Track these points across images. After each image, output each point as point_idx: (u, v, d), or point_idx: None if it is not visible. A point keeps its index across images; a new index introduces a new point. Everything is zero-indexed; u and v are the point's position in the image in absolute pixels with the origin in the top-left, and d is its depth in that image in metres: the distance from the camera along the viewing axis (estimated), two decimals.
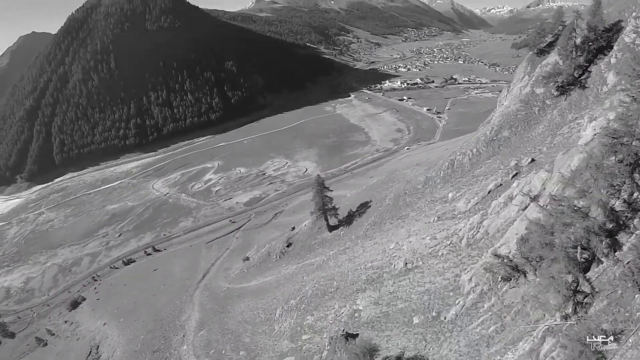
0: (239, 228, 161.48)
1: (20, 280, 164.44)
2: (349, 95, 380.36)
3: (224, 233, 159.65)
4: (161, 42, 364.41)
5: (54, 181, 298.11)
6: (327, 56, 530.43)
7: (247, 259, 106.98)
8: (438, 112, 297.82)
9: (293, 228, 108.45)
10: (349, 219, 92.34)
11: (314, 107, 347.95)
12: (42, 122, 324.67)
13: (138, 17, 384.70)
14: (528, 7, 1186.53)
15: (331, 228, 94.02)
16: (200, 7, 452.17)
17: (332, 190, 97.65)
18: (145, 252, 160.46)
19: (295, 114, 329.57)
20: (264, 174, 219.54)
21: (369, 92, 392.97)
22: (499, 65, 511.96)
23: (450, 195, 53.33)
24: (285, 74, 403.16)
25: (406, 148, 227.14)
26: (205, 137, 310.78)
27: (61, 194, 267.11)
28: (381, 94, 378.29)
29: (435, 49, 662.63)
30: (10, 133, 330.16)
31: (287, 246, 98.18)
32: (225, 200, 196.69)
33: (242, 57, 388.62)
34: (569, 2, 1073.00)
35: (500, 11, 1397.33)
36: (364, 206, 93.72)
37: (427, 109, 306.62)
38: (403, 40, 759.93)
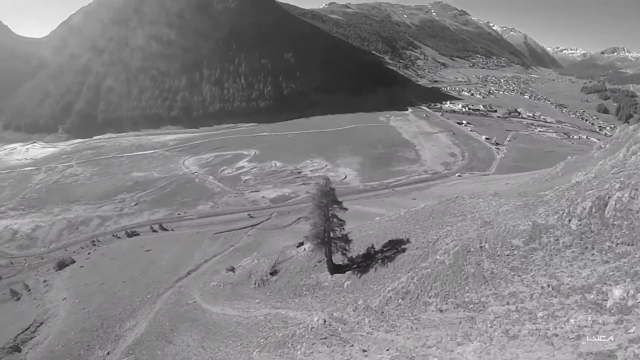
0: (255, 225, 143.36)
1: (29, 227, 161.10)
2: (406, 110, 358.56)
3: (237, 227, 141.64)
4: (224, 22, 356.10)
5: (92, 138, 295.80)
6: (391, 67, 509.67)
7: (232, 269, 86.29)
8: (497, 143, 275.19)
9: (301, 243, 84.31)
10: (365, 262, 59.08)
11: (368, 114, 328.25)
12: (95, 79, 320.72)
13: None
14: (602, 53, 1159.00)
15: (335, 268, 62.40)
16: None
17: (345, 209, 61.34)
18: (152, 228, 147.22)
19: (346, 118, 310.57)
20: (299, 173, 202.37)
21: (427, 109, 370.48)
22: (566, 107, 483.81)
23: (615, 291, 19.59)
24: (344, 76, 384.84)
25: (457, 175, 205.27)
26: (250, 124, 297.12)
27: (94, 152, 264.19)
28: (440, 114, 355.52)
29: (502, 80, 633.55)
30: (63, 84, 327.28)
31: (272, 274, 73.49)
32: (252, 192, 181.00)
33: (303, 51, 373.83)
34: None
35: (573, 53, 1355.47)
36: (395, 246, 58.20)
37: (486, 138, 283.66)
38: (470, 66, 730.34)
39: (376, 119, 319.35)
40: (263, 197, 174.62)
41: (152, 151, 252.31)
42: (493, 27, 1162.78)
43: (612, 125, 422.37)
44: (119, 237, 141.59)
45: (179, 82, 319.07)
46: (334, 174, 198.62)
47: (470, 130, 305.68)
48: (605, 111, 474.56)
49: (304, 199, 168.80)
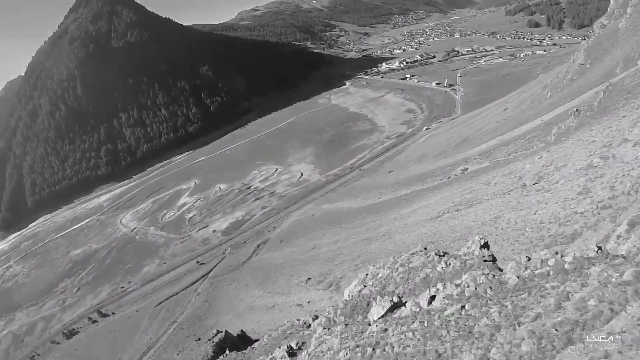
0: (207, 275, 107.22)
1: None
2: (344, 84, 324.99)
3: (184, 285, 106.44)
4: (129, 58, 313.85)
5: (28, 227, 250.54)
6: (315, 50, 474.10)
7: None
8: (450, 85, 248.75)
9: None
10: None
11: (306, 102, 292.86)
12: (14, 164, 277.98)
13: (104, 37, 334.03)
14: None
15: None
16: (172, 18, 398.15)
17: None
18: (89, 318, 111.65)
19: (285, 113, 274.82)
20: (248, 188, 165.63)
21: (366, 77, 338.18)
22: (498, 33, 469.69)
23: None
24: (271, 74, 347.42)
25: (425, 128, 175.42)
26: (183, 154, 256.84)
27: (31, 242, 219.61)
28: (380, 76, 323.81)
29: (427, 30, 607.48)
30: None
31: None
32: (200, 229, 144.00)
33: (219, 60, 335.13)
34: None
35: None
36: None
37: (437, 83, 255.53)
38: (392, 27, 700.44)
39: (316, 103, 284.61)
40: (214, 231, 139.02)
41: (88, 220, 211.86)
42: None
43: (550, 35, 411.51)
44: (57, 343, 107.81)
45: (98, 136, 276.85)
46: (288, 176, 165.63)
47: (418, 82, 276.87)
48: (537, 25, 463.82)
49: (261, 218, 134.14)
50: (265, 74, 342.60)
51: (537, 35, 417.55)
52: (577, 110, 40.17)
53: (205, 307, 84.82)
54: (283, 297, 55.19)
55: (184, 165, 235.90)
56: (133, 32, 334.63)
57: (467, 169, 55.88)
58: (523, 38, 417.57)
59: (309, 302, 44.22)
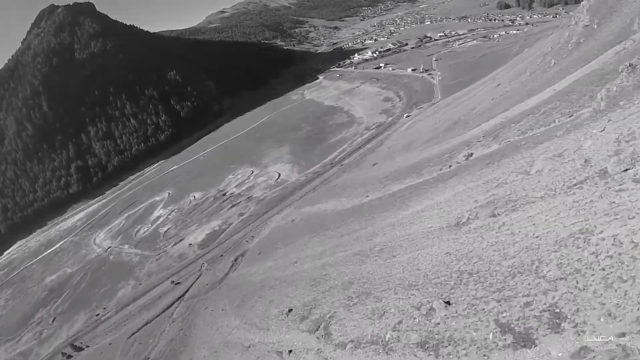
0: (182, 296, 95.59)
1: None
2: (317, 78, 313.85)
3: (158, 311, 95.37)
4: (94, 69, 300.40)
5: (3, 255, 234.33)
6: (285, 47, 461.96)
7: None
8: (426, 70, 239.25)
9: None
10: None
11: (279, 99, 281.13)
12: None
13: (67, 49, 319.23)
14: None
15: None
16: (136, 25, 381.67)
17: None
18: (63, 353, 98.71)
19: (258, 112, 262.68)
20: (224, 195, 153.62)
21: (339, 69, 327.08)
22: (469, 17, 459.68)
23: None
24: (241, 74, 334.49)
25: (405, 115, 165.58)
26: (156, 164, 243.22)
27: (6, 271, 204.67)
28: (353, 67, 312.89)
29: (397, 19, 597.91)
30: None
31: None
32: (175, 244, 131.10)
33: (187, 65, 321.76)
34: None
35: None
36: None
37: (412, 69, 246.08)
38: (361, 20, 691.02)
39: (289, 100, 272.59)
40: (190, 245, 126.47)
41: (61, 242, 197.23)
42: None
43: (521, 15, 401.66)
44: None
45: (67, 153, 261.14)
46: (265, 178, 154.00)
47: (392, 70, 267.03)
48: (506, 6, 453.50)
49: (238, 226, 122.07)
50: (236, 75, 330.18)
51: (508, 16, 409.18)
52: (630, 66, 29.03)
53: (180, 338, 73.61)
54: (261, 333, 43.67)
55: (157, 175, 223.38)
56: (96, 43, 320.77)
57: (472, 154, 45.14)
58: (494, 20, 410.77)
59: (290, 351, 32.38)
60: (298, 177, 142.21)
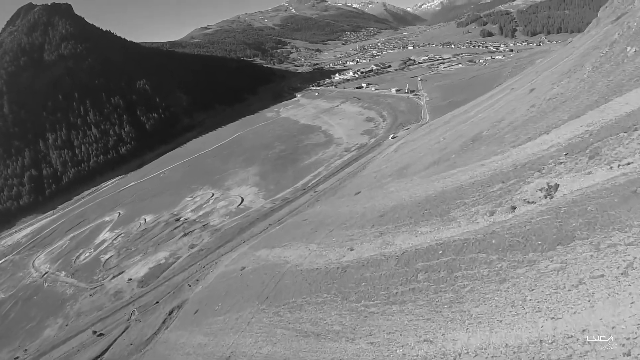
0: (101, 356, 72.29)
1: None
2: (295, 96, 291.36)
3: None
4: (61, 72, 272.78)
5: None
6: (265, 65, 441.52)
7: None
8: (412, 91, 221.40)
9: None
10: None
11: (253, 116, 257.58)
12: None
13: (37, 49, 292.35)
14: None
15: None
16: (114, 32, 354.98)
17: None
18: None
19: (230, 129, 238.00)
20: (177, 220, 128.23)
21: (318, 88, 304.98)
22: (452, 43, 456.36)
23: None
24: (217, 88, 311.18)
25: (391, 136, 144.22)
26: (114, 179, 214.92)
27: None
28: (333, 87, 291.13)
29: (379, 44, 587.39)
30: None
31: None
32: (114, 277, 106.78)
33: (159, 74, 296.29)
34: None
35: (431, 4, 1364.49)
36: None
37: (397, 90, 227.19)
38: (343, 44, 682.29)
39: (264, 117, 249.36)
40: (129, 280, 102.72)
41: (2, 261, 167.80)
42: (353, 5, 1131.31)
43: (505, 43, 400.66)
44: None
45: (23, 160, 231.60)
46: (225, 203, 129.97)
47: (375, 90, 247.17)
48: (489, 34, 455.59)
49: (186, 262, 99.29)
50: (211, 89, 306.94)
51: (491, 43, 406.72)
52: None
53: None
54: None
55: (112, 192, 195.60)
56: (67, 44, 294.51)
57: (557, 186, 20.92)
58: (479, 46, 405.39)
59: None
60: (263, 204, 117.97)
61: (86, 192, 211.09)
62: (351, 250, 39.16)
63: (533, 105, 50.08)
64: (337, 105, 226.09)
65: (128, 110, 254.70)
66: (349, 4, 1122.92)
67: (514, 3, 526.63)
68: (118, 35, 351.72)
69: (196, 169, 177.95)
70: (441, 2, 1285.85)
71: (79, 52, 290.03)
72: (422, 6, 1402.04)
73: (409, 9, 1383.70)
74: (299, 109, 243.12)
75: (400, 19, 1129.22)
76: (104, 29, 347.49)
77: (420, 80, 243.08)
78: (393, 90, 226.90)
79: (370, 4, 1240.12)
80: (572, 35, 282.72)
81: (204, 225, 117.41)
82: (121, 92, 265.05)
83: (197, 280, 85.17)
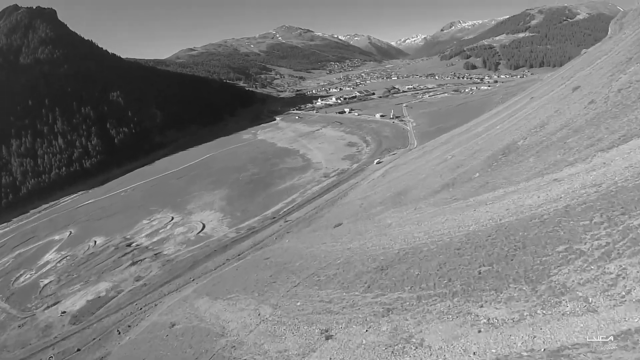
0: None
1: None
2: (274, 119, 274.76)
3: None
4: (35, 76, 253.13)
5: None
6: (248, 88, 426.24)
7: None
8: (397, 116, 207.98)
9: None
10: None
11: (229, 137, 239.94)
12: None
13: (14, 52, 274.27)
14: (442, 30, 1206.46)
15: None
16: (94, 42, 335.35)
17: None
18: None
19: (203, 149, 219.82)
20: (129, 245, 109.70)
21: (298, 112, 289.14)
22: (436, 75, 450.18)
23: None
24: (194, 107, 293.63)
25: (375, 161, 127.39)
26: (75, 194, 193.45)
27: None
28: (315, 111, 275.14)
29: (363, 74, 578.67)
30: None
31: None
32: (49, 307, 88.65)
33: (135, 87, 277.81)
34: (478, 20, 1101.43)
35: (415, 40, 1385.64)
36: None
37: (381, 115, 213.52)
38: (327, 73, 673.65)
39: (239, 138, 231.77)
40: (62, 313, 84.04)
41: None
42: (339, 37, 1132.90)
43: (488, 75, 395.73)
44: None
45: None
46: (184, 229, 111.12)
47: (358, 115, 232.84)
48: (473, 67, 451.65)
49: (124, 300, 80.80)
50: (187, 108, 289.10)
51: (475, 76, 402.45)
52: None
53: None
54: None
55: (69, 208, 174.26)
56: (45, 49, 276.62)
57: None
58: (463, 77, 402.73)
59: None
60: (226, 233, 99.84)
61: (44, 206, 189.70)
62: (327, 337, 21.17)
63: (592, 101, 34.18)
64: (317, 130, 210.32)
65: (98, 122, 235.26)
66: (335, 36, 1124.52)
67: (497, 38, 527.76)
68: (100, 46, 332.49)
69: (160, 189, 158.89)
70: (424, 38, 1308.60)
71: (56, 57, 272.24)
72: (406, 41, 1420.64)
73: (393, 43, 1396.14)
74: (277, 132, 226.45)
75: (384, 53, 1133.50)
76: (86, 38, 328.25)
77: (406, 106, 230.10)
78: (377, 115, 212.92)
79: (355, 37, 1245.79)
80: (554, 69, 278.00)
81: (155, 254, 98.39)
82: (93, 103, 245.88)
83: (129, 326, 66.72)
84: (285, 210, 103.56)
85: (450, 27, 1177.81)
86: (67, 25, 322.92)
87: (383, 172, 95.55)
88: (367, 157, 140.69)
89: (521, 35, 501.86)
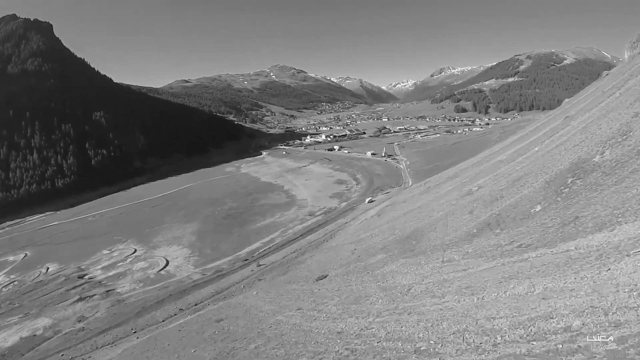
0: None
1: None
2: (260, 154, 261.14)
3: None
4: (22, 87, 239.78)
5: None
6: (238, 122, 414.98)
7: None
8: (389, 155, 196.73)
9: None
10: None
11: (212, 169, 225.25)
12: None
13: (4, 60, 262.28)
14: (432, 75, 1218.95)
15: None
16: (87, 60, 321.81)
17: None
18: None
19: (182, 179, 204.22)
20: (82, 276, 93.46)
21: (286, 147, 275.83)
22: (427, 117, 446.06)
23: None
24: (180, 136, 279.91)
25: (367, 200, 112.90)
26: (45, 213, 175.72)
27: None
28: (303, 147, 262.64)
29: (353, 115, 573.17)
30: None
31: None
32: None
33: (121, 109, 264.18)
34: (467, 67, 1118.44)
35: (405, 85, 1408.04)
36: None
37: (372, 153, 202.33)
38: (319, 113, 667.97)
39: (222, 171, 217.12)
40: None
41: None
42: (331, 79, 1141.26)
43: (479, 118, 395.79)
44: None
45: None
46: (145, 265, 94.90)
47: (348, 153, 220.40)
48: (463, 110, 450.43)
49: (59, 344, 64.21)
50: (173, 136, 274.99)
51: (467, 118, 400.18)
52: None
53: None
54: None
55: (32, 228, 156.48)
56: (34, 60, 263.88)
57: None
58: (454, 119, 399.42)
59: None
60: (190, 273, 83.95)
61: (8, 223, 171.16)
62: None
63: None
64: (305, 165, 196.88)
65: (77, 141, 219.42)
66: (328, 78, 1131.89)
67: (486, 83, 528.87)
68: (92, 66, 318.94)
69: (129, 218, 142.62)
70: (414, 83, 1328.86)
71: (44, 70, 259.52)
72: (396, 85, 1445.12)
73: (383, 87, 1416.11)
74: (262, 166, 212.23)
75: (375, 96, 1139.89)
76: (79, 56, 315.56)
77: (397, 145, 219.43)
78: (368, 153, 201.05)
79: (347, 80, 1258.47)
80: (543, 112, 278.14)
81: (107, 291, 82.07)
82: (75, 121, 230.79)
83: None
84: (261, 251, 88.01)
85: (440, 72, 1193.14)
86: (62, 41, 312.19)
87: (378, 211, 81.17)
88: (357, 195, 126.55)
89: (510, 79, 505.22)
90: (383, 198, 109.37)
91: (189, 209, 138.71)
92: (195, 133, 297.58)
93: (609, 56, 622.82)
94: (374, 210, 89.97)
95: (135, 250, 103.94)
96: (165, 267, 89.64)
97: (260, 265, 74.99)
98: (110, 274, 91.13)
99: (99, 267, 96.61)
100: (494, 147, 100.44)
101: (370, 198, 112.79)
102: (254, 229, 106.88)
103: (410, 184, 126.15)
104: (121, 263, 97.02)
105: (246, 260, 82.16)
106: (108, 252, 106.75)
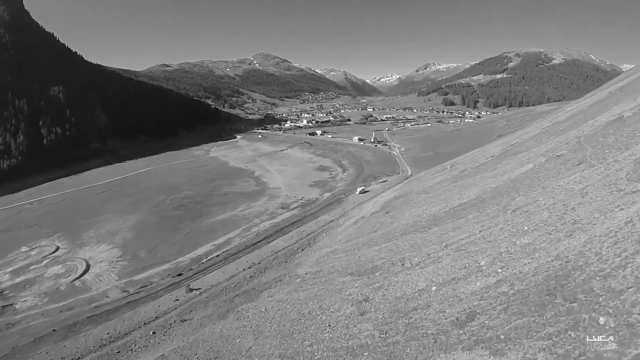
0: None
1: None
2: (234, 137, 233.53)
3: None
4: None
5: None
6: (214, 107, 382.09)
7: None
8: (380, 141, 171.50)
9: None
10: None
11: (178, 152, 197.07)
12: None
13: None
14: (417, 71, 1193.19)
15: None
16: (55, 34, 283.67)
17: None
18: None
19: (142, 162, 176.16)
20: None
21: (263, 131, 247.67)
22: (414, 108, 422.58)
23: None
24: (149, 118, 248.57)
25: (359, 190, 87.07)
26: None
27: None
28: (282, 131, 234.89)
29: (337, 105, 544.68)
30: None
31: None
32: None
33: (83, 85, 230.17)
34: (452, 63, 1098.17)
35: (389, 79, 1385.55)
36: None
37: (360, 139, 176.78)
38: (301, 102, 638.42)
39: (189, 154, 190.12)
40: None
41: None
42: (315, 70, 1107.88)
43: (468, 111, 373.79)
44: None
45: None
46: (60, 270, 69.21)
47: (332, 137, 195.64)
48: (452, 103, 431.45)
49: None
50: (140, 117, 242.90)
51: (455, 111, 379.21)
52: None
53: None
54: None
55: None
56: None
57: None
58: (443, 112, 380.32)
59: None
60: (109, 287, 59.67)
61: None
62: None
63: None
64: (281, 150, 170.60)
65: (30, 119, 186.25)
66: (312, 68, 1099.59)
67: (474, 78, 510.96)
68: (62, 41, 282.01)
69: (68, 206, 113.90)
70: (399, 78, 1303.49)
71: (4, 42, 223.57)
72: (381, 79, 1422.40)
73: (368, 80, 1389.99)
74: (234, 150, 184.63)
75: (359, 89, 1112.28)
76: (48, 30, 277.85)
77: (388, 131, 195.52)
78: (355, 139, 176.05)
79: (332, 72, 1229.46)
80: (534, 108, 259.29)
81: (3, 307, 57.66)
82: (30, 96, 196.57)
83: None
84: (209, 258, 61.29)
85: (425, 68, 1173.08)
86: (30, 14, 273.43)
87: (381, 206, 55.12)
88: (344, 184, 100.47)
89: (499, 76, 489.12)
90: (380, 188, 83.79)
91: (137, 197, 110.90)
92: (166, 115, 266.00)
93: (597, 60, 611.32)
94: (373, 203, 64.05)
95: (57, 249, 78.30)
96: (83, 274, 64.66)
97: (192, 290, 47.22)
98: (18, 280, 66.72)
99: (10, 269, 72.14)
100: (533, 125, 75.14)
101: (362, 187, 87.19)
102: (207, 225, 79.87)
103: (410, 172, 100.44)
104: (35, 266, 71.78)
105: (180, 275, 54.85)
106: (27, 249, 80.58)
